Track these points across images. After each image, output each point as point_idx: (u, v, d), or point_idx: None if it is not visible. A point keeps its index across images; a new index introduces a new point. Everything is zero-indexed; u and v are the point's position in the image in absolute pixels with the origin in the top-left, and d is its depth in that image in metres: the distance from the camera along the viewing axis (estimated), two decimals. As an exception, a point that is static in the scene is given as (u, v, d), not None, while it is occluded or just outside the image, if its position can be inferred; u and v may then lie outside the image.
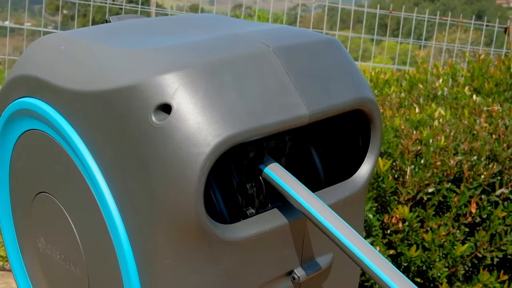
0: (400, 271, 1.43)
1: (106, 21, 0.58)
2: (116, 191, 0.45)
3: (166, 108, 0.42)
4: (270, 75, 0.45)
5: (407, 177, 1.40)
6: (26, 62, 0.52)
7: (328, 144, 0.55)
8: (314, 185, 0.53)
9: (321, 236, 0.49)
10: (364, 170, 0.52)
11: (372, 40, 3.83)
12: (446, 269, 1.39)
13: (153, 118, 0.42)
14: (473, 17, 3.35)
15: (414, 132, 1.45)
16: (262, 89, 0.45)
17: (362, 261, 0.41)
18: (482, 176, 1.42)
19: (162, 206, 0.43)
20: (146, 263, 0.45)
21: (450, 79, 1.99)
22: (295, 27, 0.54)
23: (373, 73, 2.04)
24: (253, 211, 0.48)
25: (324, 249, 0.50)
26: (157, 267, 0.44)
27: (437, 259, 1.39)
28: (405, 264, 1.40)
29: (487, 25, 3.42)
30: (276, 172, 0.46)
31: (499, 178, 1.45)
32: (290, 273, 0.48)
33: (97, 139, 0.46)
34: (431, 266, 1.39)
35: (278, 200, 0.50)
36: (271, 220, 0.46)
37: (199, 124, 0.42)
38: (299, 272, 0.48)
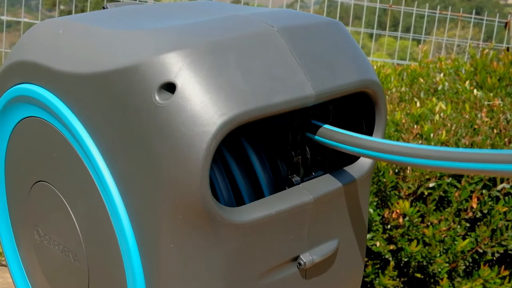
0: (400, 266, 1.42)
1: (104, 8, 0.57)
2: (117, 175, 0.44)
3: (170, 87, 0.41)
4: (275, 54, 0.45)
5: (408, 171, 1.39)
6: (23, 48, 0.51)
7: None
8: (318, 169, 0.52)
9: (328, 221, 0.49)
10: None
11: (371, 37, 3.82)
12: (447, 265, 1.38)
13: (157, 98, 0.41)
14: (474, 11, 3.34)
15: (415, 126, 1.44)
16: (267, 68, 0.44)
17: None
18: (484, 171, 1.41)
19: (166, 187, 0.42)
20: (150, 248, 0.44)
21: (453, 73, 1.98)
22: (296, 10, 0.53)
23: (375, 67, 2.02)
24: (298, 179, 0.48)
25: (330, 234, 0.49)
26: (161, 252, 0.43)
27: (438, 255, 1.38)
28: (406, 260, 1.39)
29: (487, 20, 3.41)
30: (333, 129, 0.46)
31: (500, 173, 1.44)
32: (296, 258, 0.47)
33: (98, 123, 0.44)
34: (432, 261, 1.38)
35: (321, 169, 0.50)
36: (277, 203, 0.45)
37: (204, 103, 0.41)
38: (305, 258, 0.47)
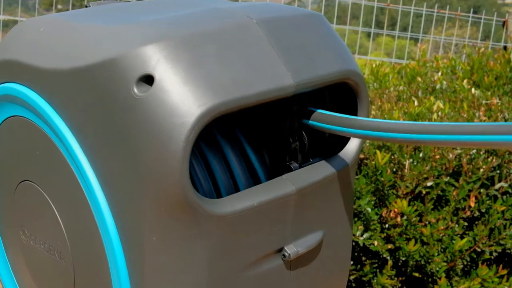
0: (398, 265, 1.41)
1: (86, 7, 0.58)
2: (100, 172, 0.44)
3: (148, 80, 0.42)
4: (253, 46, 0.45)
5: (406, 170, 1.38)
6: (5, 48, 0.51)
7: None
8: (302, 160, 0.52)
9: (312, 212, 0.48)
10: (353, 144, 0.51)
11: (368, 36, 3.82)
12: (445, 264, 1.38)
13: (135, 90, 0.41)
14: (471, 10, 3.34)
15: (413, 125, 1.44)
16: (246, 59, 0.44)
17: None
18: (481, 170, 1.40)
19: (147, 179, 0.41)
20: (132, 242, 0.43)
21: (450, 72, 1.97)
22: (278, 3, 0.53)
23: (373, 65, 2.02)
24: (296, 165, 0.49)
25: (314, 226, 0.49)
26: (144, 246, 0.43)
27: (436, 254, 1.37)
28: (404, 259, 1.38)
29: (484, 19, 3.41)
30: (329, 114, 0.47)
31: (498, 171, 1.43)
32: (281, 250, 0.47)
33: (79, 118, 0.44)
34: (430, 260, 1.37)
35: (319, 155, 0.51)
36: (260, 194, 0.45)
37: (183, 94, 0.41)
38: (289, 250, 0.47)
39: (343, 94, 0.51)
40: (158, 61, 0.41)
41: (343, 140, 0.52)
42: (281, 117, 0.49)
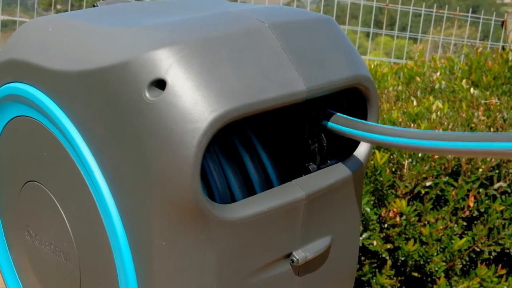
0: (398, 265, 1.42)
1: (94, 6, 0.57)
2: (108, 174, 0.44)
3: (160, 84, 0.41)
4: (266, 50, 0.45)
5: (405, 170, 1.39)
6: (12, 47, 0.51)
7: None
8: (320, 162, 0.53)
9: (321, 217, 0.48)
10: (363, 148, 0.51)
11: (367, 36, 3.82)
12: (444, 264, 1.38)
13: (147, 94, 0.41)
14: (470, 10, 3.34)
15: (412, 125, 1.44)
16: (258, 64, 0.44)
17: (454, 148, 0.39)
18: (480, 170, 1.41)
19: (158, 184, 0.41)
20: (141, 247, 0.43)
21: (448, 72, 1.97)
22: (289, 7, 0.53)
23: (372, 66, 2.02)
24: (315, 166, 0.49)
25: (323, 231, 0.49)
26: (153, 250, 0.43)
27: (435, 253, 1.38)
28: (403, 258, 1.39)
29: (483, 19, 3.41)
30: (347, 117, 0.47)
31: (497, 171, 1.43)
32: (289, 255, 0.47)
33: (88, 120, 0.44)
34: (429, 260, 1.38)
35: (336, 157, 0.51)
36: (269, 200, 0.45)
37: (195, 99, 0.41)
38: (298, 255, 0.47)
39: (355, 97, 0.51)
40: (170, 65, 0.41)
41: (356, 142, 0.52)
42: (300, 119, 0.49)
